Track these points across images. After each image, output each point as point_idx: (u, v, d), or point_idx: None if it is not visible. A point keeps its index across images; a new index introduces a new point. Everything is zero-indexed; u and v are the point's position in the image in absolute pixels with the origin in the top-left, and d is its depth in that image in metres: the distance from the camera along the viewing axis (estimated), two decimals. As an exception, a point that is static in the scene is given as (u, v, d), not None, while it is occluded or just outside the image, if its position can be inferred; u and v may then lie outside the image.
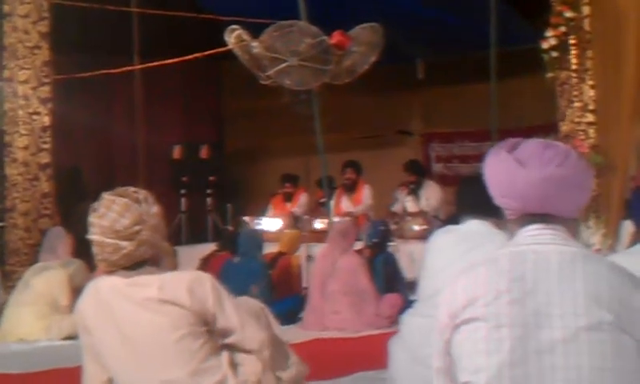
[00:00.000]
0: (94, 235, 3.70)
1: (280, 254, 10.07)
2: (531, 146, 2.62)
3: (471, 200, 4.79)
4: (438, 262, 4.82)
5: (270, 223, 12.37)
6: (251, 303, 4.27)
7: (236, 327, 3.75)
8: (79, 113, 13.63)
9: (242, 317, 3.77)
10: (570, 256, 2.51)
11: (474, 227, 4.81)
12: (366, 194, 12.96)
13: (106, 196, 3.73)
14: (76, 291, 7.68)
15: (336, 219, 11.45)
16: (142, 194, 3.77)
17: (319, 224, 12.00)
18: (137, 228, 3.65)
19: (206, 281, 3.74)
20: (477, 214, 4.76)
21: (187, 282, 3.66)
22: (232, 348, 3.81)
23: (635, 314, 2.45)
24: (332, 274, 9.18)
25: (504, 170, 2.61)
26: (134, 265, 3.71)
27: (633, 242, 4.15)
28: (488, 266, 2.56)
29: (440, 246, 4.94)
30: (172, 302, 3.59)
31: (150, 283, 3.65)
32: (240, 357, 3.81)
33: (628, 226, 7.63)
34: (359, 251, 9.77)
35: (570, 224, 2.62)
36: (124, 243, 3.64)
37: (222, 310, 3.69)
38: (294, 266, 10.22)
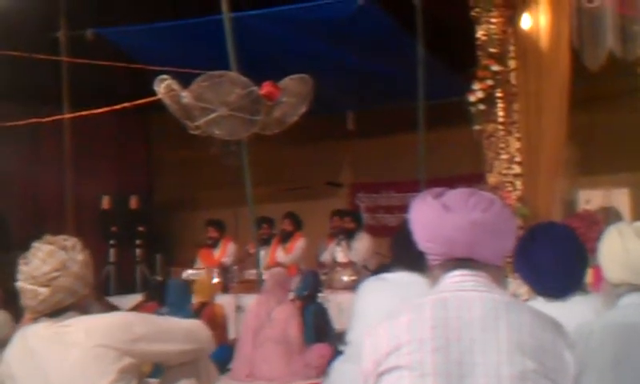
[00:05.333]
0: (19, 282, 3.67)
1: (204, 304, 10.00)
2: (456, 193, 2.65)
3: (403, 254, 4.80)
4: (368, 308, 4.83)
5: (197, 274, 12.28)
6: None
7: (164, 359, 3.76)
8: (7, 162, 13.49)
9: (171, 341, 3.75)
10: (492, 303, 2.53)
11: (405, 276, 4.83)
12: (298, 245, 12.99)
13: (36, 244, 3.72)
14: (1, 343, 7.56)
15: (266, 270, 11.41)
16: (71, 241, 3.74)
17: (249, 275, 11.97)
18: (55, 274, 3.60)
19: (134, 318, 3.73)
20: (408, 268, 4.78)
21: (115, 322, 3.64)
22: None
23: (558, 362, 2.48)
24: (266, 323, 9.17)
25: (430, 215, 2.63)
26: (55, 312, 3.67)
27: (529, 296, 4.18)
28: (411, 313, 2.57)
29: (371, 292, 4.95)
30: (100, 344, 3.56)
31: (75, 328, 3.61)
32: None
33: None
34: (291, 301, 9.77)
35: (494, 271, 2.64)
36: (41, 289, 3.60)
37: (150, 344, 3.66)
38: (219, 315, 10.14)
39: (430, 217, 2.63)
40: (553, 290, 3.79)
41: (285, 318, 9.22)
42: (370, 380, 2.58)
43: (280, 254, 12.97)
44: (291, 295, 9.95)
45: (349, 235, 12.72)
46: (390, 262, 5.12)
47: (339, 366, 5.21)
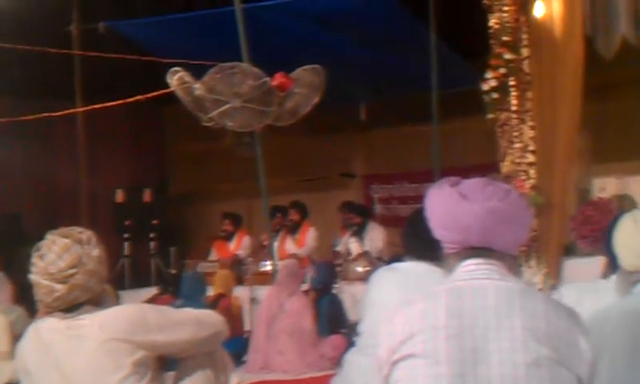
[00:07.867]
0: (33, 275, 3.64)
1: (220, 296, 10.01)
2: (473, 182, 2.67)
3: (414, 243, 4.78)
4: (380, 298, 4.82)
5: (211, 266, 12.29)
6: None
7: (178, 349, 3.76)
8: (20, 156, 13.52)
9: (184, 329, 3.74)
10: (506, 291, 2.53)
11: (416, 266, 4.81)
12: (310, 236, 12.97)
13: (50, 235, 3.68)
14: (17, 338, 7.58)
15: (280, 261, 11.42)
16: (87, 234, 3.69)
17: (264, 266, 11.97)
18: (71, 271, 3.56)
19: (147, 310, 3.72)
20: (420, 257, 4.76)
21: (128, 315, 3.63)
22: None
23: (573, 349, 2.47)
24: (279, 314, 9.17)
25: (446, 203, 2.64)
26: (69, 308, 3.64)
27: (605, 275, 4.10)
28: (426, 301, 2.58)
29: (383, 282, 4.93)
30: (113, 338, 3.54)
31: (90, 322, 3.59)
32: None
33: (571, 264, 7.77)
34: (304, 293, 9.76)
35: (509, 260, 2.65)
36: (57, 286, 3.56)
37: (163, 334, 3.65)
38: (235, 307, 10.15)
39: (446, 205, 2.64)
40: None
41: (297, 309, 9.22)
42: (384, 368, 2.58)
43: (290, 246, 12.94)
44: (305, 286, 9.95)
45: (359, 228, 12.70)
46: (404, 251, 5.10)
47: (351, 358, 5.20)
